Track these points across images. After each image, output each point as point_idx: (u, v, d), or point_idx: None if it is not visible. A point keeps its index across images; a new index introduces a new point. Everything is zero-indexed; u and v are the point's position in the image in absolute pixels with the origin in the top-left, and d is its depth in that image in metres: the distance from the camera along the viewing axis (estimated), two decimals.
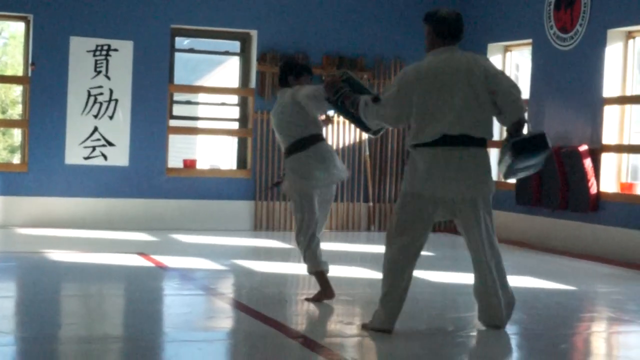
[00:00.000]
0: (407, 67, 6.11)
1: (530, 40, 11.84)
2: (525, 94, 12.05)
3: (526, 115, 6.00)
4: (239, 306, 6.83)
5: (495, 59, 12.46)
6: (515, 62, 12.90)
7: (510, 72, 12.67)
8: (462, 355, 5.76)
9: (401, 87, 5.93)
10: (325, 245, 10.20)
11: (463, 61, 5.95)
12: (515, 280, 8.46)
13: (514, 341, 6.20)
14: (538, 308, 7.19)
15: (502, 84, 5.89)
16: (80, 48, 11.57)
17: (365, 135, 12.79)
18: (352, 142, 12.80)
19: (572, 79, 11.07)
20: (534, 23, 11.65)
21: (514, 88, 5.93)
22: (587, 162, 10.47)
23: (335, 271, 8.73)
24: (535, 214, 11.36)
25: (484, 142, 5.96)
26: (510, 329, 6.21)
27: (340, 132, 12.73)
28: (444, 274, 8.71)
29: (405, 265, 5.93)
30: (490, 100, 5.90)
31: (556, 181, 10.75)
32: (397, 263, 5.92)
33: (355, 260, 9.78)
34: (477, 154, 5.93)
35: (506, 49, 12.54)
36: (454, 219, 6.08)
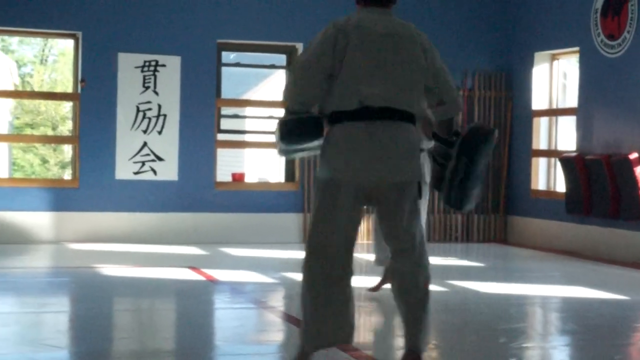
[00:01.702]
0: (330, 22, 5.21)
1: (577, 49, 11.75)
2: (574, 102, 11.98)
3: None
4: (290, 319, 6.84)
5: (542, 67, 12.39)
6: (562, 71, 12.81)
7: (557, 81, 12.61)
8: None
9: (323, 42, 5.05)
10: (373, 256, 10.20)
11: (405, 26, 4.98)
12: (566, 291, 8.42)
13: (566, 352, 6.15)
14: (590, 318, 7.12)
15: (441, 69, 5.04)
16: (128, 64, 11.69)
17: None
18: None
19: (621, 86, 10.97)
20: (580, 31, 11.56)
21: (450, 77, 5.13)
22: (638, 170, 10.36)
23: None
24: (586, 223, 11.25)
25: (413, 118, 4.89)
26: (563, 339, 6.16)
27: None
28: (494, 285, 8.65)
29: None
30: (424, 79, 4.96)
31: (607, 190, 10.65)
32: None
33: None
34: (408, 131, 4.86)
35: (553, 58, 12.46)
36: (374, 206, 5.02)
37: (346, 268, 4.98)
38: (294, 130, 4.90)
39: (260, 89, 26.09)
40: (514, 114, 12.84)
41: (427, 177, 7.03)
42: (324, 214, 4.85)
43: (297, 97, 4.91)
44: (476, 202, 5.16)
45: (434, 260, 10.04)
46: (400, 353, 5.77)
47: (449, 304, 7.54)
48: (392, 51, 4.88)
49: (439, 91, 5.05)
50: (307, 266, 4.90)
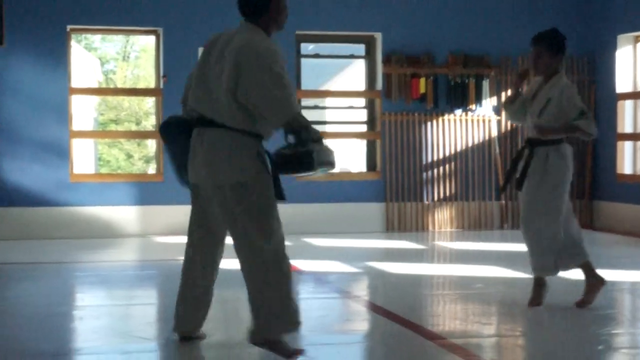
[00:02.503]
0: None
1: None
2: None
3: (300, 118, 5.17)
4: (375, 308, 6.84)
5: (626, 50, 12.17)
6: None
7: None
8: (605, 354, 5.62)
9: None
10: (458, 245, 10.18)
11: (231, 37, 5.20)
12: None
13: None
14: None
15: (253, 78, 5.03)
16: None
17: (495, 132, 12.66)
18: (481, 139, 12.68)
19: None
20: None
21: (272, 84, 5.06)
22: None
23: (469, 270, 8.68)
24: None
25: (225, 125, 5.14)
26: None
27: (469, 130, 12.62)
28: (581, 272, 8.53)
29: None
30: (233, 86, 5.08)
31: None
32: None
33: (489, 260, 9.67)
34: (220, 136, 5.15)
35: (637, 40, 12.22)
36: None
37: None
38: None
39: (340, 79, 26.10)
40: (597, 97, 12.64)
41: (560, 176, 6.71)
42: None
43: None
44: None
45: (514, 247, 9.96)
46: (487, 340, 5.75)
47: None
48: (213, 65, 5.19)
49: (254, 107, 5.11)
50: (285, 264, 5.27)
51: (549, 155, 6.56)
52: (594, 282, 6.67)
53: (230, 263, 9.26)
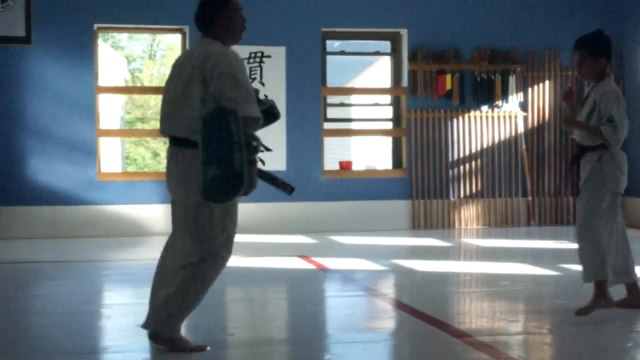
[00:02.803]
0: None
1: None
2: None
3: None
4: (401, 306, 6.84)
5: None
6: None
7: None
8: (634, 350, 5.58)
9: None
10: (484, 242, 10.17)
11: (192, 54, 5.40)
12: None
13: None
14: None
15: (216, 87, 5.11)
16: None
17: (521, 129, 12.62)
18: (508, 136, 12.63)
19: None
20: None
21: (230, 88, 5.10)
22: None
23: (495, 268, 8.65)
24: None
25: (190, 142, 5.21)
26: None
27: (496, 126, 12.58)
28: None
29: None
30: (200, 98, 5.16)
31: None
32: None
33: (516, 257, 9.64)
34: (180, 154, 5.29)
35: None
36: None
37: None
38: None
39: (365, 76, 26.06)
40: (625, 92, 12.55)
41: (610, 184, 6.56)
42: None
43: None
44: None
45: (541, 244, 9.92)
46: (514, 338, 5.73)
47: (564, 289, 7.44)
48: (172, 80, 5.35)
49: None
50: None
51: (599, 160, 6.38)
52: (608, 301, 6.39)
53: (254, 262, 9.30)
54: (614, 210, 6.40)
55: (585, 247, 6.35)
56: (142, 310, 6.61)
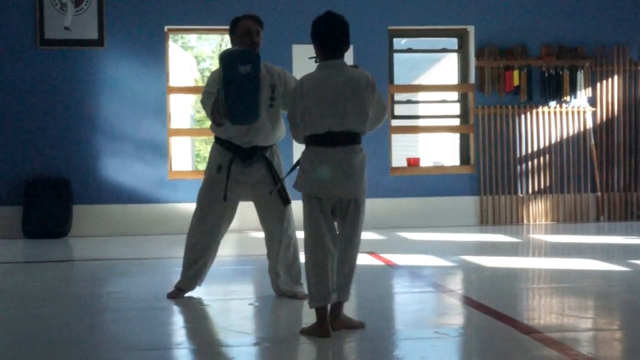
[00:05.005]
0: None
1: None
2: None
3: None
4: (470, 302, 6.85)
5: None
6: None
7: None
8: None
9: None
10: (553, 238, 10.12)
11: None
12: None
13: None
14: None
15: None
16: (301, 55, 11.90)
17: (590, 124, 12.52)
18: (576, 131, 12.55)
19: None
20: None
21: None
22: None
23: (564, 264, 8.62)
24: None
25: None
26: None
27: (564, 122, 12.51)
28: None
29: None
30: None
31: None
32: None
33: (585, 252, 9.58)
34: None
35: None
36: None
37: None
38: None
39: (432, 73, 26.00)
40: None
41: None
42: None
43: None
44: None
45: (610, 240, 9.83)
46: (584, 334, 5.72)
47: (634, 285, 7.39)
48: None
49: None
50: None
51: None
52: None
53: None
54: None
55: None
56: (214, 307, 6.72)
